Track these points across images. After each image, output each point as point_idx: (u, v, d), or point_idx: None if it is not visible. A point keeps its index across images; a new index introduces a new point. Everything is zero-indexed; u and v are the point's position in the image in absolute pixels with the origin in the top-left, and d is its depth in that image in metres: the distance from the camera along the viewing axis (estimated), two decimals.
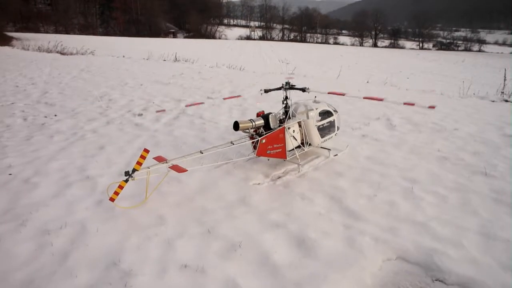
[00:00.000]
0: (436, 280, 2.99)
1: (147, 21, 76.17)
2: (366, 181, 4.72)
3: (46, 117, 7.93)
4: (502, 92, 11.36)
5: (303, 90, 5.16)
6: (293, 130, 5.06)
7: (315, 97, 5.60)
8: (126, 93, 10.61)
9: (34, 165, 5.10)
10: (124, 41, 45.06)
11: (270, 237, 3.48)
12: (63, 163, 5.20)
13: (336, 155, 5.58)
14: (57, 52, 24.06)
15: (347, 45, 51.35)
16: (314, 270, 3.02)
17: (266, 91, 5.29)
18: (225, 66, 18.02)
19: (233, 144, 4.76)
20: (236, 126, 4.62)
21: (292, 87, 5.21)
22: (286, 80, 5.23)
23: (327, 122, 5.40)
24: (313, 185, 4.63)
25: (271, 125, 4.86)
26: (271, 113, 4.91)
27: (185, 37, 73.07)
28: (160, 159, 4.28)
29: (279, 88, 5.25)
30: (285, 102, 5.17)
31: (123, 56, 21.43)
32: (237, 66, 17.98)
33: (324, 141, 5.40)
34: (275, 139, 4.85)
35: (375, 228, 3.65)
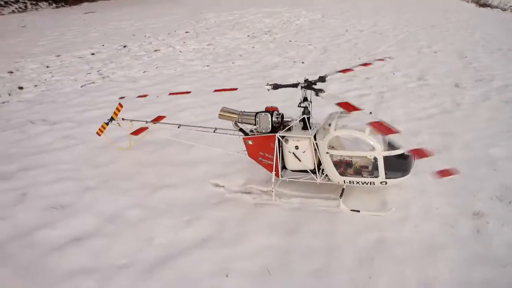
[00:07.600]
0: None
1: None
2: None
3: None
4: None
5: (316, 93, 3.88)
6: (296, 146, 3.93)
7: (370, 113, 3.94)
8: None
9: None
10: None
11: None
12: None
13: (358, 211, 3.95)
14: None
15: None
16: None
17: (275, 87, 4.12)
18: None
19: (214, 132, 4.68)
20: None
21: (309, 86, 3.88)
22: (306, 78, 4.05)
23: (355, 157, 3.84)
24: (249, 222, 3.98)
25: (256, 126, 4.03)
26: (271, 112, 3.99)
27: None
28: (157, 119, 5.72)
29: (294, 85, 4.03)
30: (303, 104, 3.98)
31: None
32: None
33: (350, 182, 3.92)
34: (264, 145, 4.00)
35: None
